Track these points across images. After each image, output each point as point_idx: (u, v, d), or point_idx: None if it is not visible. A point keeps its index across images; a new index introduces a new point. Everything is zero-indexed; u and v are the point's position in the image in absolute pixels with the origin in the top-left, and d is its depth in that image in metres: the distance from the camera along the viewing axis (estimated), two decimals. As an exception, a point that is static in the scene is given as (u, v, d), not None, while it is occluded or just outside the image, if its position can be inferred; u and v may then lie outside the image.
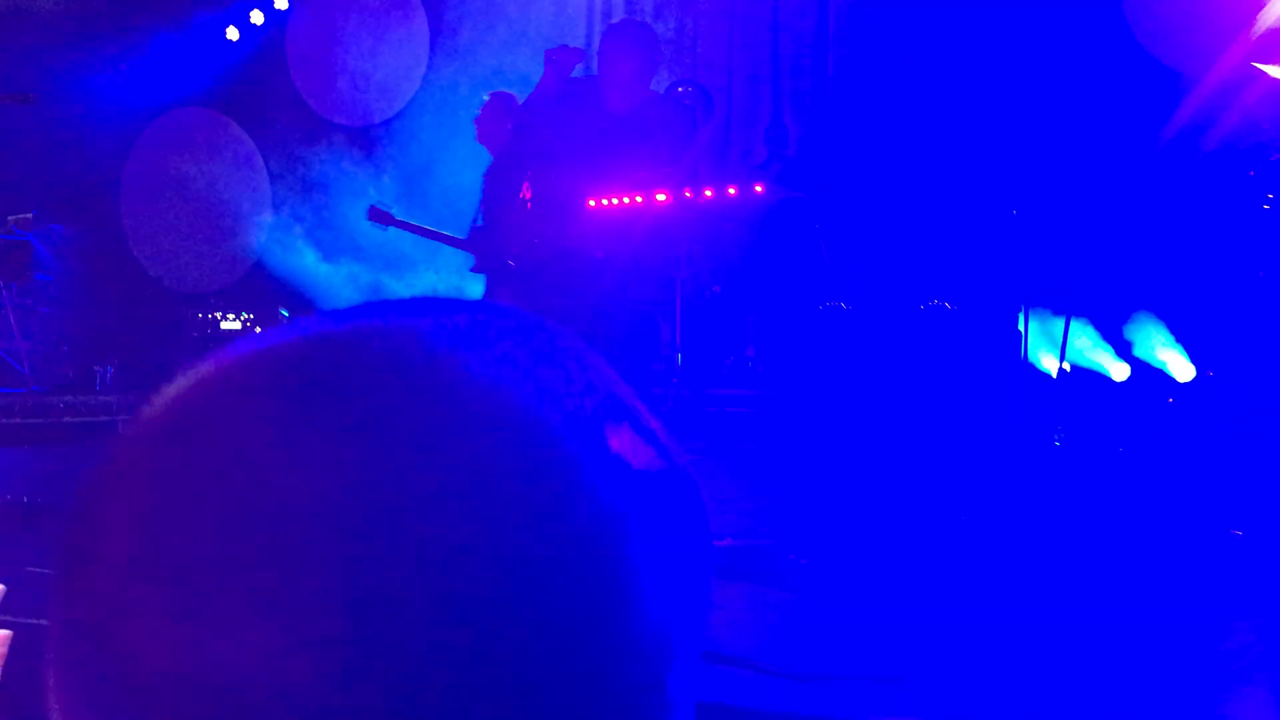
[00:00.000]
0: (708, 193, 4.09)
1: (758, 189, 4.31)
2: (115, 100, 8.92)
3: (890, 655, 3.14)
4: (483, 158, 6.20)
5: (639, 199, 4.11)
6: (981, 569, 4.11)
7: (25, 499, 4.91)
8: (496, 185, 4.67)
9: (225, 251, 9.32)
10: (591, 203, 4.16)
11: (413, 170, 9.48)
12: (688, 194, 4.09)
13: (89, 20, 8.70)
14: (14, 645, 0.72)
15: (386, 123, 9.88)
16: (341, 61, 10.12)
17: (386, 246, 9.56)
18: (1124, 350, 7.17)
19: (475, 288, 9.04)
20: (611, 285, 4.20)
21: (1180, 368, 6.86)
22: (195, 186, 9.15)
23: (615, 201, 4.13)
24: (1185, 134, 6.85)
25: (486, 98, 6.06)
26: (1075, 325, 6.78)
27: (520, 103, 4.44)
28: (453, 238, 6.23)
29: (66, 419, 6.94)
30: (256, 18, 9.87)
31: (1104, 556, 4.22)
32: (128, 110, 8.95)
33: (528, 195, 4.39)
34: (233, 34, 9.89)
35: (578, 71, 4.34)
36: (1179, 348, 6.88)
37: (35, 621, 0.45)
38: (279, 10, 9.91)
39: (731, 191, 4.17)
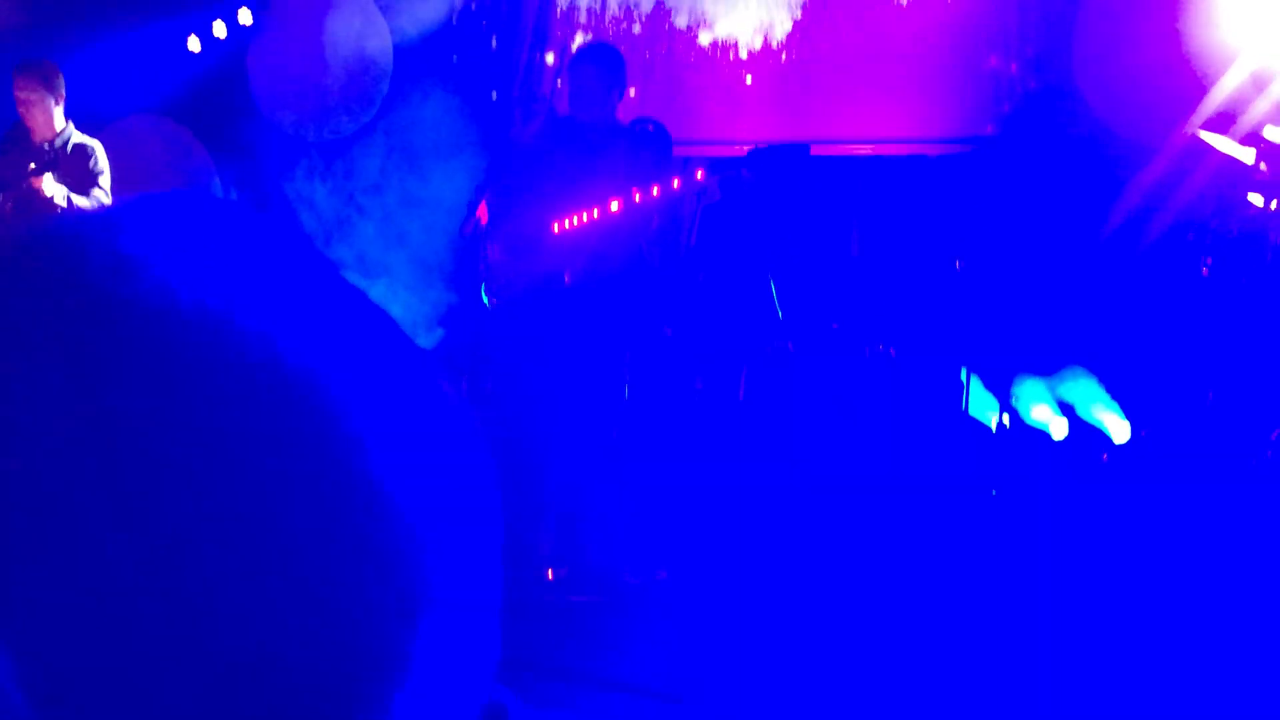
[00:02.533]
0: (655, 190, 4.12)
1: (698, 174, 4.32)
2: (72, 103, 8.81)
3: (801, 690, 3.14)
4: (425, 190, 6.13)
5: (596, 212, 4.15)
6: (908, 611, 4.12)
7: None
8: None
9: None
10: (556, 227, 4.19)
11: (364, 188, 9.48)
12: (636, 196, 4.12)
13: (43, 25, 8.62)
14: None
15: (344, 141, 9.86)
16: (302, 77, 10.09)
17: (348, 258, 9.51)
18: (1064, 407, 7.28)
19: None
20: (581, 312, 4.25)
21: (1117, 428, 6.96)
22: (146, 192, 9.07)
23: (577, 220, 4.16)
24: (1139, 204, 7.02)
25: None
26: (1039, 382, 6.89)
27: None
28: None
29: None
30: (219, 30, 9.82)
31: (1025, 604, 4.26)
32: (83, 113, 8.83)
33: (482, 217, 4.39)
34: (194, 45, 9.83)
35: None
36: (1116, 408, 6.99)
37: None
38: (243, 25, 9.88)
39: (675, 184, 4.19)
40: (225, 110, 9.76)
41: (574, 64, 4.34)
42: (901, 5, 8.29)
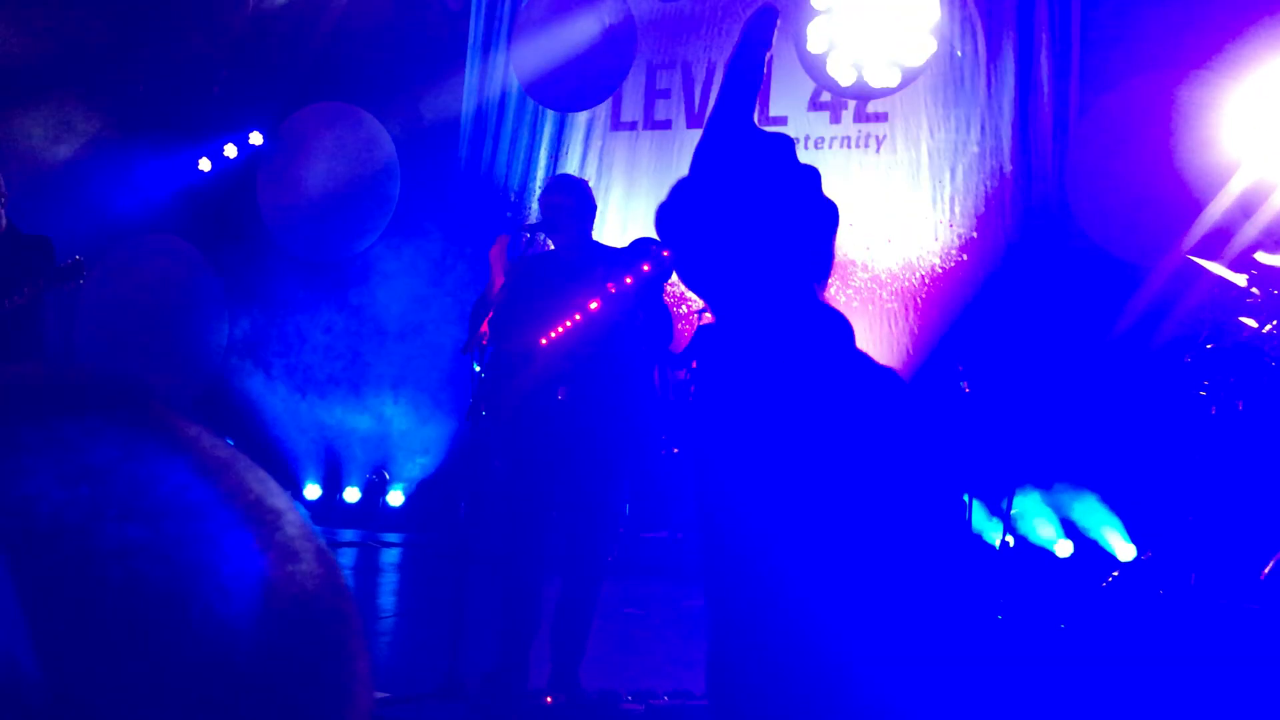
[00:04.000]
0: (628, 280, 4.16)
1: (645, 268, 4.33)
2: (82, 216, 8.96)
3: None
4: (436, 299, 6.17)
5: (579, 316, 4.20)
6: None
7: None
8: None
9: (179, 375, 9.28)
10: (543, 340, 4.23)
11: (375, 310, 9.57)
12: (611, 288, 4.16)
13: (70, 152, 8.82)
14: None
15: (350, 260, 10.03)
16: (309, 197, 10.29)
17: (351, 378, 9.55)
18: (1068, 527, 7.25)
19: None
20: (574, 427, 4.24)
21: (1121, 547, 6.93)
22: (155, 310, 9.15)
23: (561, 329, 4.21)
24: (1136, 324, 7.11)
25: None
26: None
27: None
28: None
29: None
30: (230, 151, 10.04)
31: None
32: (95, 226, 8.97)
33: (485, 330, 4.42)
34: (205, 165, 10.04)
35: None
36: (1120, 527, 6.96)
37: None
38: (253, 145, 10.10)
39: (646, 268, 4.23)
40: (233, 228, 9.93)
41: (544, 195, 4.52)
42: (895, 270, 8.47)
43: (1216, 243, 6.71)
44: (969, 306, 8.20)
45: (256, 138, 10.06)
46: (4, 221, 5.07)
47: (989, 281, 8.15)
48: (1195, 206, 7.03)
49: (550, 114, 9.74)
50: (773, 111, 9.10)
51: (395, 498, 9.53)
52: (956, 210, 8.28)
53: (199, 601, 0.37)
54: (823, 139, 8.95)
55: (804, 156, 9.36)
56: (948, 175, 8.40)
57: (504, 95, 9.97)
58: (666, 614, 6.61)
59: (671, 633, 6.06)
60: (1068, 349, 7.35)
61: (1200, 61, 7.06)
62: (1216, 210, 6.89)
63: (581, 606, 4.32)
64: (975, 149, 8.29)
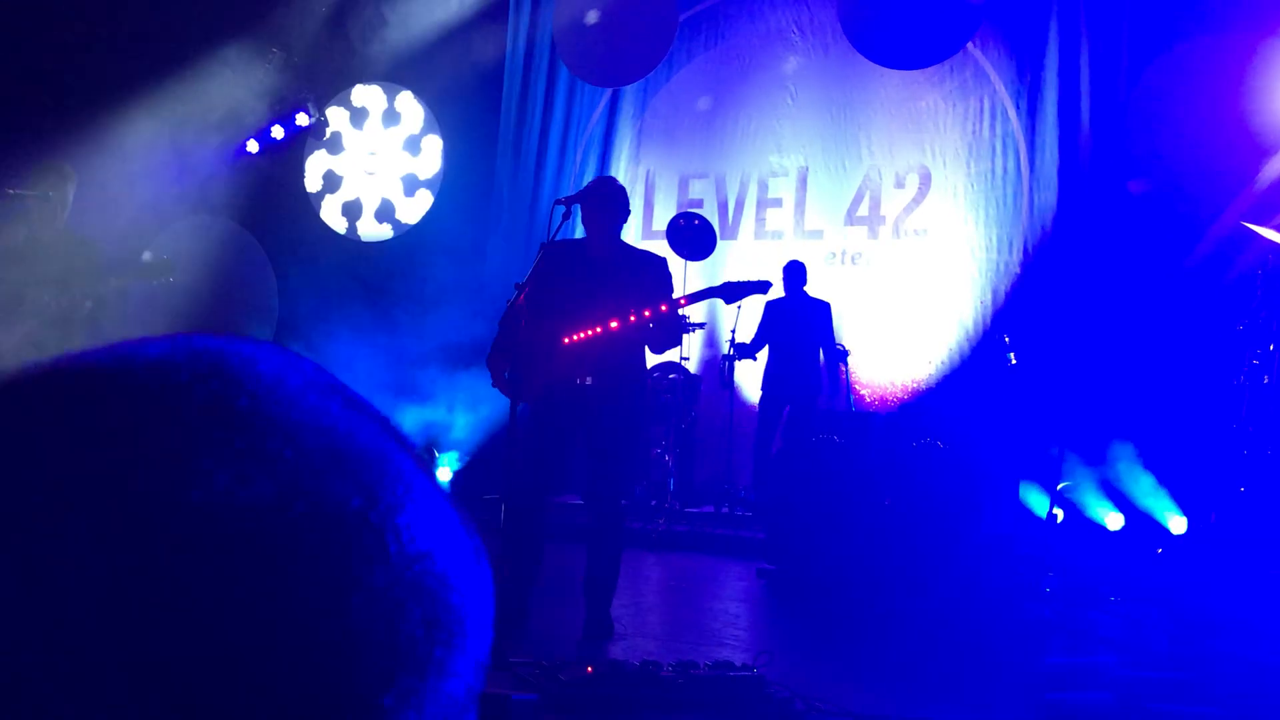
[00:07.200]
0: (663, 307, 4.47)
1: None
2: (132, 199, 9.07)
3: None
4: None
5: (613, 324, 4.43)
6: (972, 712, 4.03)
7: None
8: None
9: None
10: (566, 340, 4.49)
11: (420, 287, 9.62)
12: (646, 314, 4.47)
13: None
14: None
15: (395, 240, 10.09)
16: (355, 179, 10.36)
17: (397, 355, 9.61)
18: (1119, 497, 7.16)
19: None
20: (601, 410, 4.54)
21: (1172, 519, 6.83)
22: (205, 291, 9.25)
23: (589, 334, 4.45)
24: (1188, 292, 6.98)
25: None
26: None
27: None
28: None
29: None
30: (277, 132, 10.11)
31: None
32: (143, 209, 9.09)
33: (521, 299, 4.63)
34: (253, 146, 10.11)
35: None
36: (1171, 500, 6.86)
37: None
38: (299, 126, 10.16)
39: (683, 303, 4.59)
40: (281, 208, 10.02)
41: (584, 194, 4.74)
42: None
43: (1271, 208, 6.56)
44: (1018, 279, 8.09)
45: (303, 119, 10.12)
46: (62, 222, 5.19)
47: (1037, 254, 8.03)
48: (1249, 173, 6.89)
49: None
50: (808, 225, 9.02)
51: (443, 474, 9.60)
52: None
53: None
54: (860, 254, 8.83)
55: (841, 272, 9.43)
56: (990, 296, 8.27)
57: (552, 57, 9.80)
58: (709, 588, 6.63)
59: (715, 606, 6.07)
60: (1116, 319, 7.24)
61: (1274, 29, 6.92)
62: (1271, 174, 6.75)
63: (608, 546, 4.63)
64: (1018, 271, 8.15)
